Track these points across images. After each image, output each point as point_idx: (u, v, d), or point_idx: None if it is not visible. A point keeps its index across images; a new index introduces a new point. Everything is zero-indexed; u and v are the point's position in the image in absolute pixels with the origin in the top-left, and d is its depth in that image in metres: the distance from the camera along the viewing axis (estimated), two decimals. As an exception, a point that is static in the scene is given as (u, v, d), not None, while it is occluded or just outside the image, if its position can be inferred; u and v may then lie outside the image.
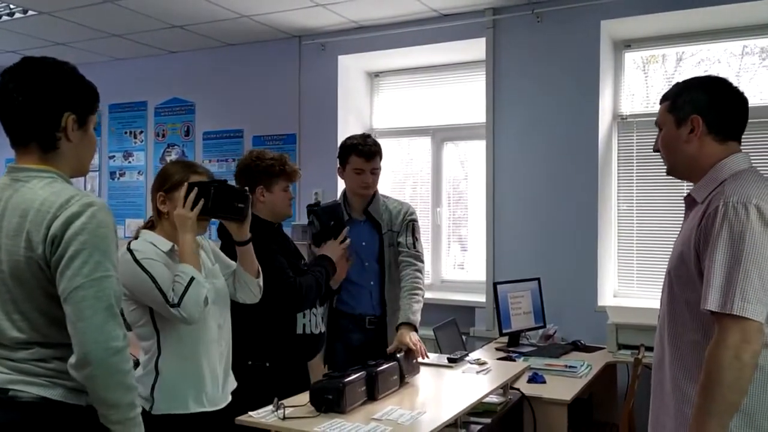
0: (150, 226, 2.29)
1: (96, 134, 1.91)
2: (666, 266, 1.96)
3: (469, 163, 5.21)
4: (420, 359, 2.91)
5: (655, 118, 2.04)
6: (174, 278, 2.08)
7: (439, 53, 4.97)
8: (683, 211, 1.99)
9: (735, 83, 1.98)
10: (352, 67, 5.26)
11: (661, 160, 1.94)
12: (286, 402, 2.31)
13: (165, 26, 5.04)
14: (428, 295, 4.87)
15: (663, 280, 1.98)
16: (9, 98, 1.72)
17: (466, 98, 5.02)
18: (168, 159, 5.79)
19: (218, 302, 2.32)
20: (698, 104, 1.89)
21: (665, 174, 2.05)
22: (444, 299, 4.84)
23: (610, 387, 3.96)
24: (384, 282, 3.30)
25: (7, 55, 5.75)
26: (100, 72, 6.08)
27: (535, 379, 3.21)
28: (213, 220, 2.35)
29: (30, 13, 4.76)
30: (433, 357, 3.16)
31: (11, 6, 4.65)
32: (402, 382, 2.62)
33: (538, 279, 4.22)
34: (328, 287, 2.98)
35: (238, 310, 2.46)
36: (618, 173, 4.55)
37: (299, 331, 2.83)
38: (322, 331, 2.96)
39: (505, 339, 4.03)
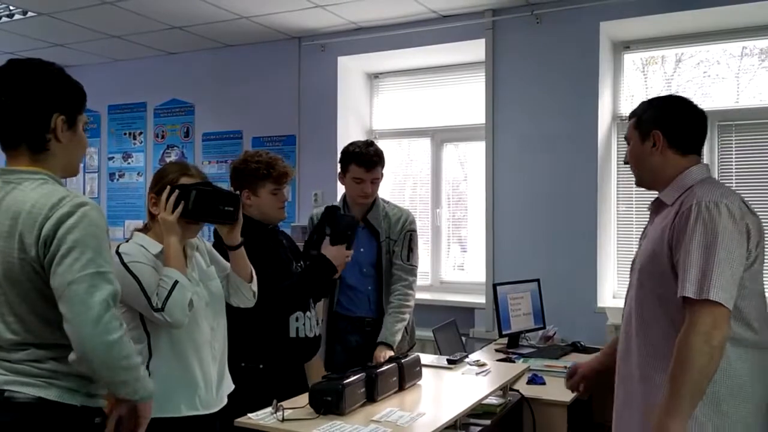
0: (145, 228, 2.28)
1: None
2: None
3: (468, 165, 5.21)
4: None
5: None
6: (158, 282, 2.07)
7: (438, 54, 4.97)
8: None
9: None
10: (351, 69, 5.26)
11: None
12: (285, 404, 2.30)
13: (164, 27, 5.05)
14: (427, 296, 4.91)
15: (629, 279, 2.14)
16: None
17: (466, 99, 5.03)
18: (167, 160, 5.79)
19: (212, 304, 2.30)
20: (659, 120, 2.07)
21: (636, 185, 2.24)
22: (443, 300, 4.84)
23: (609, 388, 3.94)
24: (381, 287, 3.29)
25: (6, 56, 5.72)
26: (99, 73, 6.15)
27: (535, 380, 3.20)
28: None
29: (29, 14, 4.77)
30: (432, 358, 3.16)
31: (11, 7, 4.65)
32: (402, 386, 2.61)
33: (538, 280, 4.21)
34: (321, 289, 2.95)
35: (230, 311, 2.44)
36: (617, 174, 4.55)
37: (292, 334, 2.80)
38: (318, 334, 2.93)
39: (505, 340, 4.03)
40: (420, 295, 4.85)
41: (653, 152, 2.08)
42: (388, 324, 3.15)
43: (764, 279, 2.02)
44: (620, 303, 4.36)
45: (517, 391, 2.98)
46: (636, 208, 4.50)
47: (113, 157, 6.17)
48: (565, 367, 3.40)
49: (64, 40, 5.43)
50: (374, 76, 5.46)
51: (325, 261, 2.85)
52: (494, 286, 4.06)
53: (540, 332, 4.13)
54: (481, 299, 4.67)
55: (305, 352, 2.90)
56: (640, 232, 4.68)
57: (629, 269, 2.22)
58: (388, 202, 3.39)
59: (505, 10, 4.56)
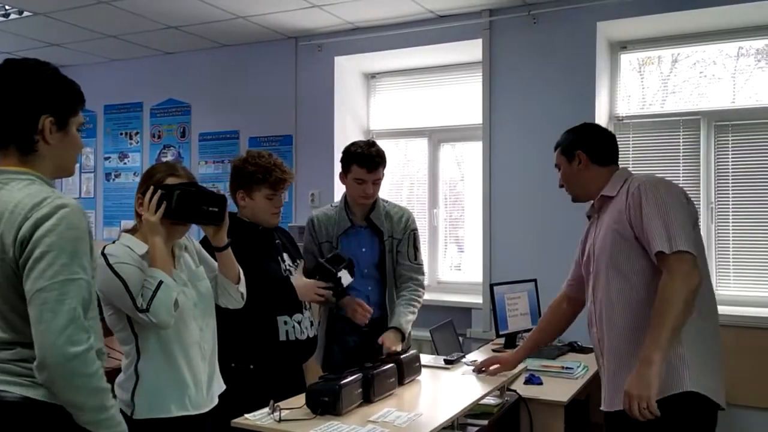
0: (134, 229, 2.27)
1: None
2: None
3: (465, 165, 5.21)
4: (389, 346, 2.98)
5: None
6: (143, 283, 2.06)
7: (435, 54, 4.97)
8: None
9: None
10: (348, 68, 5.26)
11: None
12: (282, 404, 2.30)
13: (160, 27, 5.04)
14: (425, 296, 4.87)
15: (589, 276, 2.46)
16: None
17: (463, 99, 5.03)
18: (163, 160, 5.77)
19: (201, 304, 2.29)
20: (579, 143, 2.52)
21: (572, 201, 2.63)
22: (441, 300, 4.83)
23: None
24: (385, 287, 3.29)
25: (3, 56, 5.71)
26: (95, 73, 6.14)
27: (532, 380, 3.20)
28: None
29: (25, 14, 4.75)
30: (429, 358, 3.16)
31: (6, 7, 4.64)
32: (401, 382, 2.61)
33: (535, 280, 4.21)
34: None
35: (219, 312, 2.43)
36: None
37: (282, 337, 2.78)
38: (311, 336, 2.89)
39: (502, 340, 4.03)
40: (417, 295, 4.86)
41: (580, 169, 2.50)
42: (401, 311, 3.15)
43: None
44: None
45: (515, 391, 2.99)
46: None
47: (109, 157, 6.16)
48: (563, 368, 3.42)
49: (60, 39, 5.42)
50: (371, 76, 5.45)
51: (289, 288, 2.82)
52: (491, 286, 4.06)
53: (537, 332, 4.12)
54: (478, 299, 4.67)
55: (298, 355, 2.88)
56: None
57: (586, 279, 2.52)
58: (387, 201, 3.39)
59: (502, 10, 4.56)
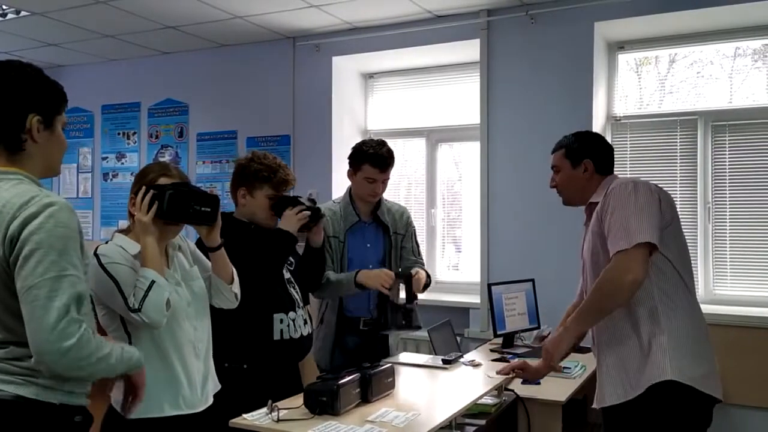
0: (128, 229, 2.27)
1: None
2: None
3: (463, 165, 5.21)
4: (415, 291, 3.13)
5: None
6: (135, 283, 2.06)
7: (433, 54, 4.98)
8: (679, 211, 2.48)
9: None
10: (346, 68, 5.26)
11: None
12: (279, 404, 2.31)
13: (158, 27, 5.03)
14: (422, 296, 4.87)
15: (584, 278, 2.53)
16: None
17: (461, 100, 5.03)
18: (161, 160, 5.77)
19: (195, 304, 2.29)
20: (589, 152, 2.54)
21: (564, 204, 2.68)
22: (438, 300, 4.83)
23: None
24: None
25: (0, 56, 5.72)
26: (93, 73, 6.14)
27: (530, 380, 3.20)
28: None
29: (23, 13, 4.74)
30: (427, 358, 3.16)
31: (4, 6, 4.63)
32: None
33: (533, 280, 4.21)
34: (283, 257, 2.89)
35: (213, 311, 2.43)
36: (612, 174, 4.55)
37: (276, 336, 2.78)
38: (305, 334, 2.90)
39: (500, 340, 4.03)
40: (415, 295, 4.87)
41: (584, 177, 2.53)
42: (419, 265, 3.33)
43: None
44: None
45: (512, 390, 2.99)
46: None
47: (107, 157, 6.15)
48: (561, 367, 3.41)
49: (57, 39, 5.42)
50: (369, 76, 5.45)
51: (278, 232, 2.83)
52: (489, 286, 4.06)
53: (535, 332, 4.13)
54: (475, 299, 4.67)
55: (292, 354, 2.88)
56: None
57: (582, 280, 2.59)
58: (386, 199, 3.45)
59: (499, 10, 4.56)
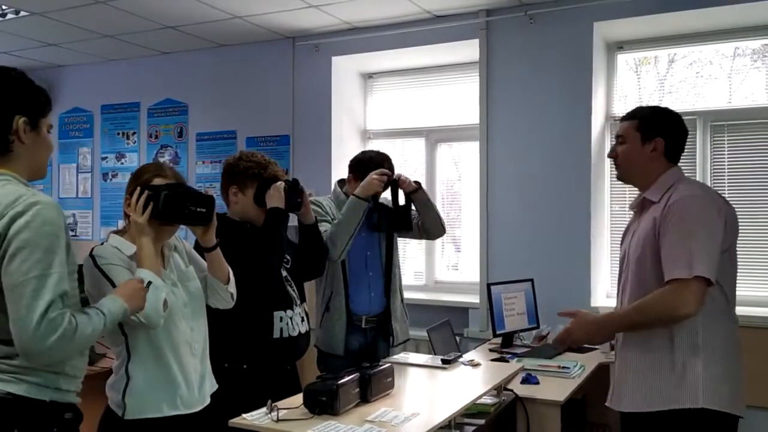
0: (123, 230, 2.27)
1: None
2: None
3: (462, 165, 5.21)
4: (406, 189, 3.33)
5: None
6: None
7: (432, 54, 4.98)
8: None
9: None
10: (345, 68, 5.26)
11: None
12: (279, 404, 2.31)
13: (158, 27, 5.04)
14: (422, 296, 4.92)
15: (622, 271, 2.41)
16: None
17: (460, 100, 5.03)
18: (161, 160, 5.77)
19: (191, 304, 2.30)
20: (664, 131, 2.34)
21: (617, 178, 2.50)
22: (438, 300, 4.85)
23: (603, 387, 3.92)
24: (385, 277, 3.42)
25: (0, 56, 5.72)
26: (92, 73, 6.14)
27: (529, 380, 3.21)
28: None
29: (22, 13, 4.74)
30: (426, 358, 3.17)
31: (3, 6, 4.63)
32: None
33: (532, 280, 4.22)
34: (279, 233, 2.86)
35: (211, 311, 2.44)
36: (610, 174, 4.56)
37: (276, 335, 2.79)
38: (302, 332, 2.90)
39: (499, 340, 4.03)
40: (414, 295, 4.89)
41: (650, 156, 2.33)
42: None
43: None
44: (613, 302, 4.36)
45: (511, 390, 2.99)
46: (629, 207, 4.51)
47: (106, 157, 6.16)
48: (560, 367, 3.43)
49: (57, 39, 5.42)
50: (368, 76, 5.46)
51: (269, 211, 2.83)
52: (488, 285, 4.06)
53: (534, 332, 4.14)
54: (475, 299, 4.67)
55: (290, 352, 2.89)
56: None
57: (618, 273, 2.47)
58: None
59: (498, 10, 4.57)
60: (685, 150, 2.38)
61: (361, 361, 2.87)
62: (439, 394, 2.77)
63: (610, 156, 2.47)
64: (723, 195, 2.30)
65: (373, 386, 2.44)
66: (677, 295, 2.08)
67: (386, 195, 3.47)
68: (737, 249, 2.29)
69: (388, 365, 2.59)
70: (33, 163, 1.86)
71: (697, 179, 4.28)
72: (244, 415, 2.26)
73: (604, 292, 4.53)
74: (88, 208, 6.19)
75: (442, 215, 3.57)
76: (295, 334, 2.86)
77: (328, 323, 3.31)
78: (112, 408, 2.17)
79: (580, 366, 3.47)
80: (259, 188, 2.85)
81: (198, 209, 2.23)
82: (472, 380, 2.83)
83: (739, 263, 2.32)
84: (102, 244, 2.22)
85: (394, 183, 3.32)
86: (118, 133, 6.10)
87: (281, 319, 2.82)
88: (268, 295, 2.81)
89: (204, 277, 2.39)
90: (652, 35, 4.45)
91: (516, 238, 4.54)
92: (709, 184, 4.28)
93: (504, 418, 2.96)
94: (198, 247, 2.42)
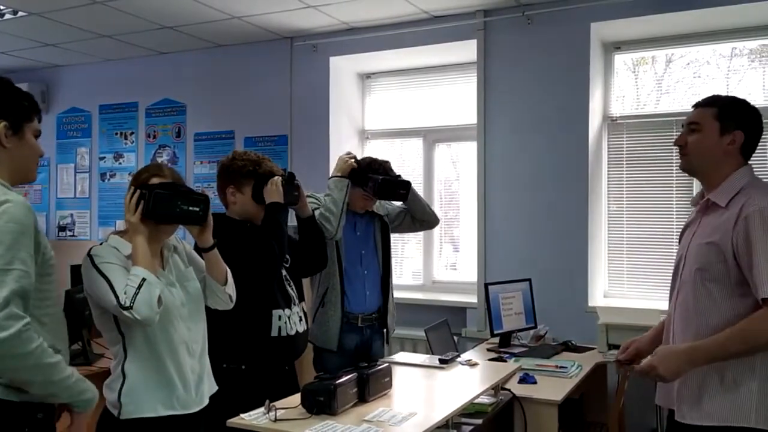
0: (124, 230, 2.27)
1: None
2: (672, 262, 2.28)
3: (461, 164, 5.22)
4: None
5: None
6: (126, 281, 2.07)
7: (430, 55, 4.99)
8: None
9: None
10: (343, 69, 5.26)
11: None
12: (277, 404, 2.31)
13: (156, 27, 5.04)
14: (419, 296, 4.93)
15: (678, 273, 2.23)
16: None
17: (458, 100, 5.04)
18: (159, 160, 5.78)
19: (189, 304, 2.30)
20: (745, 124, 2.15)
21: (681, 168, 2.28)
22: (436, 300, 4.86)
23: (600, 387, 3.98)
24: (380, 275, 3.45)
25: (-3, 55, 5.73)
26: (90, 73, 6.14)
27: (526, 379, 3.22)
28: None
29: (20, 14, 4.74)
30: (424, 358, 3.17)
31: (1, 7, 4.63)
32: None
33: (529, 280, 4.23)
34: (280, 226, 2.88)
35: (210, 312, 2.44)
36: (608, 174, 4.57)
37: (274, 333, 2.79)
38: (300, 331, 2.90)
39: (497, 340, 4.04)
40: (412, 295, 4.91)
41: (726, 149, 2.14)
42: None
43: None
44: (611, 302, 4.44)
45: (509, 390, 3.00)
46: (626, 208, 4.52)
47: (104, 157, 6.16)
48: (557, 367, 3.43)
49: (54, 39, 5.41)
50: (366, 76, 5.46)
51: (268, 206, 2.84)
52: (486, 285, 4.07)
53: (531, 331, 4.15)
54: (473, 299, 4.68)
55: (288, 352, 2.89)
56: (631, 233, 4.71)
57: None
58: None
59: (496, 10, 4.57)
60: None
61: (357, 359, 2.88)
62: (436, 394, 2.78)
63: (677, 144, 2.25)
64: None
65: (371, 386, 2.45)
66: None
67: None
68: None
69: (385, 365, 2.60)
70: (16, 167, 1.88)
71: (694, 179, 4.28)
72: (242, 415, 2.26)
73: (601, 292, 4.54)
74: (85, 208, 6.19)
75: (436, 212, 3.66)
76: (293, 333, 2.86)
77: (322, 318, 3.32)
78: (108, 408, 2.17)
79: (577, 366, 3.48)
80: (256, 185, 2.85)
81: (191, 208, 2.23)
82: (469, 380, 2.84)
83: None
84: (101, 244, 2.23)
85: (385, 183, 3.37)
86: (116, 133, 6.10)
87: (280, 317, 2.82)
88: (268, 293, 2.82)
89: (203, 278, 2.40)
90: (649, 35, 4.46)
91: (513, 238, 4.54)
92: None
93: (501, 418, 2.96)
94: (198, 248, 2.42)
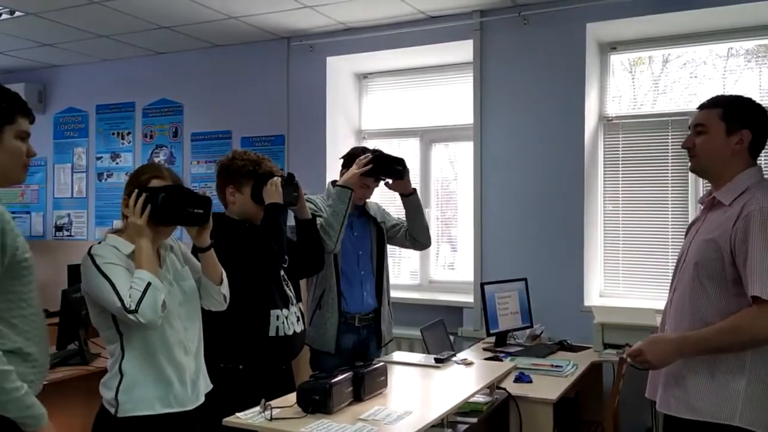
0: (120, 230, 2.28)
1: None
2: (670, 261, 2.25)
3: (459, 164, 5.23)
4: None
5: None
6: (131, 284, 2.08)
7: (426, 55, 4.99)
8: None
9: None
10: (340, 69, 5.27)
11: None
12: (273, 403, 2.32)
13: (153, 27, 5.04)
14: (416, 295, 4.94)
15: (678, 268, 2.25)
16: None
17: (454, 100, 5.05)
18: (156, 160, 5.78)
19: (185, 304, 2.31)
20: (752, 122, 2.14)
21: (690, 170, 2.29)
22: (432, 300, 4.87)
23: (596, 386, 3.99)
24: (377, 276, 3.44)
25: (-6, 55, 5.73)
26: (87, 73, 6.14)
27: (522, 378, 3.22)
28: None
29: (17, 14, 4.74)
30: (420, 357, 3.18)
31: (-2, 7, 4.64)
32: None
33: (525, 279, 4.24)
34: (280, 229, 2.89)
35: (208, 312, 2.45)
36: (604, 174, 4.58)
37: (272, 333, 2.80)
38: (297, 331, 2.92)
39: (493, 339, 4.05)
40: (409, 295, 4.91)
41: (733, 149, 2.14)
42: None
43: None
44: (606, 302, 4.45)
45: (504, 389, 3.01)
46: (622, 207, 4.54)
47: (101, 157, 6.16)
48: (553, 366, 3.44)
49: (51, 39, 5.41)
50: (363, 77, 5.47)
51: (268, 206, 2.84)
52: (482, 285, 4.08)
53: (527, 331, 4.15)
54: (469, 298, 4.69)
55: (285, 351, 2.90)
56: (627, 233, 4.72)
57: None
58: None
59: (492, 11, 4.58)
60: (678, 150, 2.27)
61: (353, 360, 2.89)
62: (431, 393, 2.79)
63: (685, 146, 2.25)
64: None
65: (366, 385, 2.46)
66: (764, 317, 1.95)
67: (381, 196, 3.51)
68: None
69: (381, 364, 2.61)
70: None
71: (690, 179, 4.30)
72: (237, 414, 2.27)
73: (597, 292, 4.55)
74: (83, 208, 6.20)
75: (437, 217, 3.62)
76: (291, 333, 2.87)
77: (319, 320, 3.33)
78: (105, 406, 2.18)
79: (572, 365, 3.49)
80: (255, 185, 2.86)
81: (195, 210, 2.25)
82: (465, 379, 2.85)
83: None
84: (99, 242, 2.23)
85: (379, 158, 3.35)
86: (113, 133, 6.10)
87: (278, 317, 2.83)
88: (267, 293, 2.82)
89: (198, 278, 2.41)
90: (645, 36, 4.47)
91: (510, 238, 4.55)
92: (701, 183, 4.31)
93: (497, 417, 2.97)
94: (195, 247, 2.43)
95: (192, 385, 2.29)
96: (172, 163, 5.73)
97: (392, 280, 3.75)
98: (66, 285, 4.72)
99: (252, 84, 5.45)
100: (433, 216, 5.19)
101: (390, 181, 3.47)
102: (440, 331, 3.71)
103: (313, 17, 4.77)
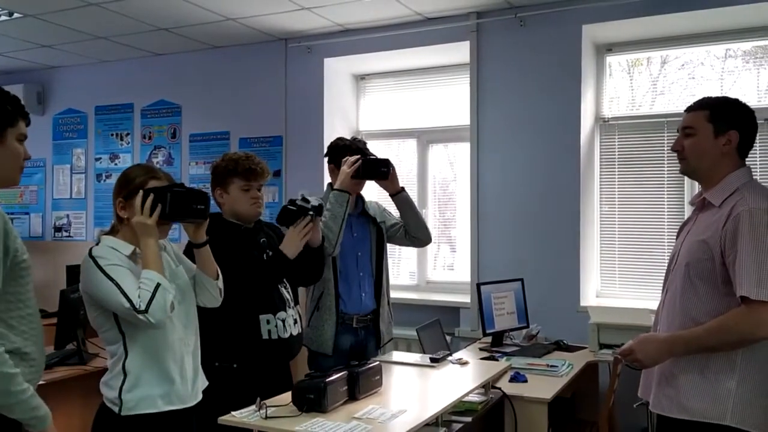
0: (111, 231, 2.30)
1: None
2: (659, 261, 2.25)
3: (458, 165, 5.24)
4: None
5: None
6: (139, 284, 2.09)
7: (424, 56, 5.01)
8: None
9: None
10: (338, 70, 5.29)
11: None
12: (268, 402, 2.33)
13: (151, 29, 5.05)
14: (414, 296, 4.95)
15: (670, 270, 2.27)
16: None
17: (451, 101, 5.06)
18: (154, 161, 5.80)
19: (183, 302, 2.33)
20: (739, 123, 2.17)
21: (681, 172, 2.31)
22: (430, 300, 4.88)
23: (591, 386, 4.00)
24: (375, 276, 3.45)
25: (-7, 57, 5.74)
26: (86, 74, 6.16)
27: (517, 378, 3.24)
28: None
29: (15, 15, 4.75)
30: (416, 357, 3.19)
31: (-3, 8, 4.65)
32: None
33: (522, 280, 4.25)
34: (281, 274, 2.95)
35: (202, 312, 2.47)
36: (600, 175, 4.60)
37: (265, 336, 2.83)
38: (294, 333, 2.93)
39: (489, 339, 4.07)
40: (406, 295, 4.93)
41: (722, 151, 2.16)
42: None
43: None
44: (603, 302, 4.47)
45: (499, 388, 3.02)
46: (618, 208, 4.55)
47: (100, 158, 6.17)
48: (548, 365, 3.46)
49: (50, 41, 5.43)
50: (360, 78, 5.48)
51: (276, 256, 2.89)
52: (478, 285, 4.09)
53: (523, 331, 4.17)
54: (466, 299, 4.70)
55: (281, 353, 2.92)
56: (623, 233, 4.73)
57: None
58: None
59: (489, 12, 4.60)
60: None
61: (351, 360, 2.91)
62: (426, 392, 2.80)
63: (674, 149, 2.28)
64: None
65: (361, 384, 2.47)
66: (753, 317, 1.96)
67: (375, 194, 3.51)
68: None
69: (376, 363, 2.62)
70: None
71: (685, 180, 4.30)
72: (233, 413, 2.28)
73: (594, 292, 4.57)
74: (81, 209, 6.21)
75: (434, 217, 3.61)
76: (286, 336, 2.89)
77: (317, 322, 3.34)
78: (107, 405, 2.20)
79: (568, 365, 3.50)
80: (286, 213, 2.93)
81: (199, 206, 2.30)
82: (460, 378, 2.86)
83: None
84: (97, 244, 2.25)
85: (365, 163, 3.34)
86: (112, 134, 6.11)
87: (268, 321, 2.85)
88: (254, 298, 2.84)
89: (192, 276, 2.43)
90: (641, 37, 4.48)
91: (506, 239, 4.57)
92: (697, 184, 4.30)
93: (492, 416, 2.98)
94: (191, 244, 2.46)
95: (192, 382, 2.32)
96: (170, 164, 5.74)
97: (391, 281, 3.76)
98: (65, 285, 4.73)
99: (250, 85, 5.46)
100: (431, 216, 5.21)
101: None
102: (436, 331, 3.72)
103: (311, 19, 4.79)
